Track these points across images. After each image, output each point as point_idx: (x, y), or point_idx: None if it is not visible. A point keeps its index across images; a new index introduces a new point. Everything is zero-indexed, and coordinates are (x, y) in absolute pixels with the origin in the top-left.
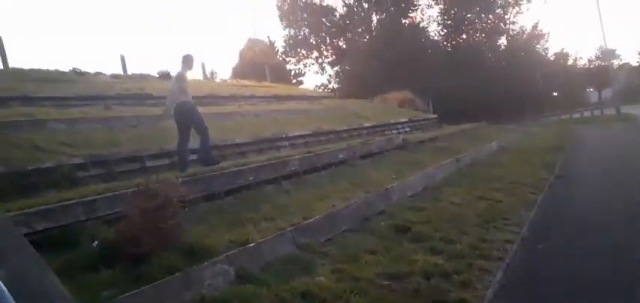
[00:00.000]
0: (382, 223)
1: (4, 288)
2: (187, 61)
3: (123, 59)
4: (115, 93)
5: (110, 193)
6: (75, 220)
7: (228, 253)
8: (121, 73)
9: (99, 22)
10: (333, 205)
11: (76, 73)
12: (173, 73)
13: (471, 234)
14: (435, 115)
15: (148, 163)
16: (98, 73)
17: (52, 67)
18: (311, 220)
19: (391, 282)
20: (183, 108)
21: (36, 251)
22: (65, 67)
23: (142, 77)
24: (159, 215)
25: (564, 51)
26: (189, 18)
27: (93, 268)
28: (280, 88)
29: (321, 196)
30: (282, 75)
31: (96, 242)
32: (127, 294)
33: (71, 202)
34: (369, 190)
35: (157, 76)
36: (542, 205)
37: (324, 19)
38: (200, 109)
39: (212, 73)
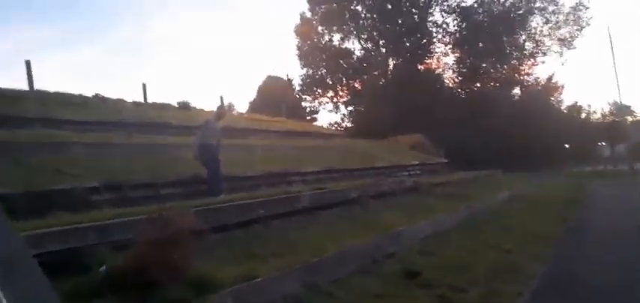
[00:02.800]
0: (391, 267)
1: None
2: (220, 113)
3: (144, 87)
4: (136, 120)
5: (122, 219)
6: (85, 244)
7: (232, 288)
8: (142, 101)
9: (122, 49)
10: (345, 245)
11: (99, 99)
12: (193, 104)
13: (480, 284)
14: (445, 160)
15: (162, 191)
16: (120, 100)
17: (76, 91)
18: (320, 258)
19: None
20: (204, 149)
21: (44, 275)
22: (88, 92)
23: (163, 106)
24: (169, 246)
25: (578, 104)
26: (210, 51)
27: (99, 295)
28: (295, 124)
29: (331, 234)
30: (297, 112)
31: (103, 268)
32: None
33: (83, 225)
34: (380, 231)
35: (177, 106)
36: (553, 259)
37: (341, 61)
38: None
39: (230, 106)
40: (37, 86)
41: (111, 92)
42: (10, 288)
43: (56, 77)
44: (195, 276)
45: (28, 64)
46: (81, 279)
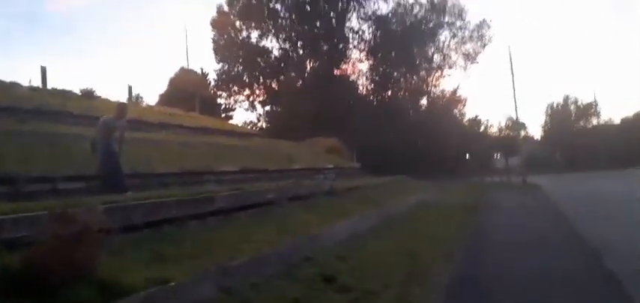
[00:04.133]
0: (309, 271)
1: None
2: (121, 109)
3: (43, 71)
4: (32, 106)
5: (17, 215)
6: None
7: (145, 292)
8: (40, 86)
9: (18, 29)
10: (261, 248)
11: None
12: (98, 93)
13: (394, 286)
14: (358, 165)
15: (61, 186)
16: (14, 83)
17: None
18: (236, 262)
19: None
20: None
21: None
22: None
23: (64, 93)
24: (75, 244)
25: (478, 117)
26: (120, 36)
27: None
28: (209, 121)
29: (247, 236)
30: (212, 108)
31: None
32: None
33: None
34: (297, 234)
35: (80, 93)
36: (459, 259)
37: (258, 59)
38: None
39: (138, 97)
40: None
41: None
42: None
43: None
44: (103, 278)
45: None
46: None
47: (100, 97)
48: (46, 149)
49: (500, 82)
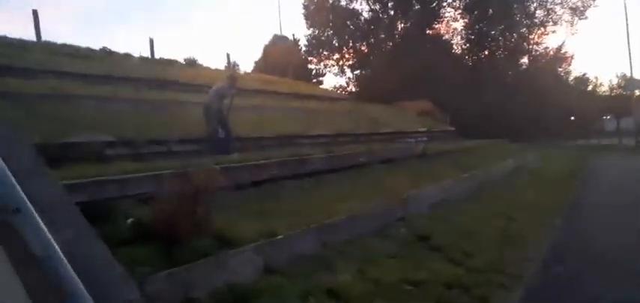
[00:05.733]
0: (402, 230)
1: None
2: (233, 77)
3: (151, 42)
4: (144, 76)
5: (142, 174)
6: (109, 196)
7: (256, 244)
8: (149, 56)
9: (129, 4)
10: (356, 208)
11: (106, 53)
12: (199, 61)
13: (489, 250)
14: (452, 128)
15: (174, 148)
16: (127, 54)
17: (82, 44)
18: (333, 219)
19: (413, 287)
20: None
21: (88, 222)
22: (95, 45)
23: (169, 62)
24: (195, 200)
25: (585, 76)
26: (217, 7)
27: (127, 244)
28: (302, 86)
29: (342, 197)
30: (303, 73)
31: (131, 220)
32: (163, 272)
33: (104, 178)
34: (389, 196)
35: (184, 62)
36: (559, 228)
37: (348, 22)
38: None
39: (234, 64)
40: (44, 37)
41: (117, 46)
42: (58, 232)
43: (61, 27)
44: (219, 231)
45: (35, 13)
46: (106, 230)
47: (201, 65)
48: (158, 115)
49: (612, 36)
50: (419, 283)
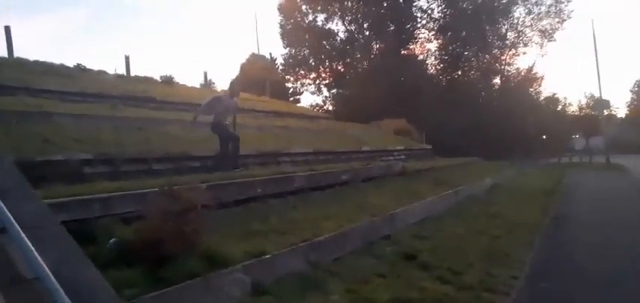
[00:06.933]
0: (388, 248)
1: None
2: (234, 89)
3: (127, 60)
4: (119, 93)
5: (126, 192)
6: (91, 216)
7: (244, 263)
8: (124, 73)
9: (103, 21)
10: (342, 226)
11: (81, 70)
12: (175, 79)
13: (476, 268)
14: (429, 146)
15: (154, 166)
16: (102, 71)
17: (56, 60)
18: (321, 238)
19: None
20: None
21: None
22: (69, 61)
23: (146, 80)
24: (182, 219)
25: (555, 96)
26: (193, 25)
27: (111, 266)
28: (279, 104)
29: (327, 215)
30: (280, 92)
31: (113, 240)
32: (150, 294)
33: (87, 197)
34: (374, 214)
35: (160, 80)
36: (541, 245)
37: (324, 42)
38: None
39: (211, 82)
40: (16, 54)
41: (91, 63)
42: (45, 253)
43: (33, 44)
44: (206, 250)
45: (7, 30)
46: (89, 250)
47: (178, 83)
48: (136, 133)
49: (580, 58)
50: (410, 301)
